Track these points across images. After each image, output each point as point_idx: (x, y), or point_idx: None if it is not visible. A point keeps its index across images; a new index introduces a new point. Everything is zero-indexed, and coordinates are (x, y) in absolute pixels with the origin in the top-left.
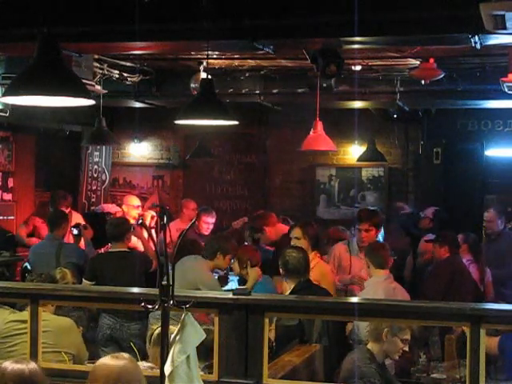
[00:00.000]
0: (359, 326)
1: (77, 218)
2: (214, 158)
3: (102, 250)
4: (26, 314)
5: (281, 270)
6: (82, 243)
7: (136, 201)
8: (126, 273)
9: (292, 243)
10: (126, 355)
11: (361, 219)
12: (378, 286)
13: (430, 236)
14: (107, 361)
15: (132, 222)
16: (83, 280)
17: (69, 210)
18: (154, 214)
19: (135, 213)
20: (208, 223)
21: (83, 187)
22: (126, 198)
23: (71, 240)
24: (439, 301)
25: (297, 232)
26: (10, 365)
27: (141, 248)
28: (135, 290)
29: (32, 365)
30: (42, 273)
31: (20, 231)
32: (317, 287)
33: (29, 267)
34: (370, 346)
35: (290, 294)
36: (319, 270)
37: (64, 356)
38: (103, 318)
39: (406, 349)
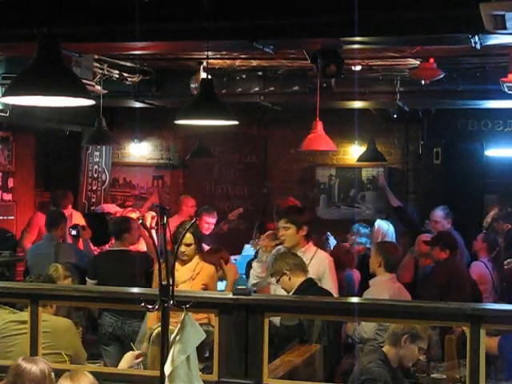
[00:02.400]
0: (363, 325)
1: (78, 217)
2: (214, 158)
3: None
4: (24, 315)
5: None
6: (81, 244)
7: (192, 201)
8: (127, 271)
9: (182, 250)
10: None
11: (278, 215)
12: (383, 285)
13: (428, 236)
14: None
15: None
16: (86, 279)
17: (70, 211)
18: (154, 214)
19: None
20: (209, 223)
21: (83, 187)
22: (183, 199)
23: (70, 241)
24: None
25: (188, 238)
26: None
27: (143, 247)
28: (135, 289)
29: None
30: (40, 274)
31: (25, 242)
32: (319, 287)
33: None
34: (385, 349)
35: (295, 291)
36: (206, 272)
37: (65, 356)
38: (104, 317)
39: (421, 358)
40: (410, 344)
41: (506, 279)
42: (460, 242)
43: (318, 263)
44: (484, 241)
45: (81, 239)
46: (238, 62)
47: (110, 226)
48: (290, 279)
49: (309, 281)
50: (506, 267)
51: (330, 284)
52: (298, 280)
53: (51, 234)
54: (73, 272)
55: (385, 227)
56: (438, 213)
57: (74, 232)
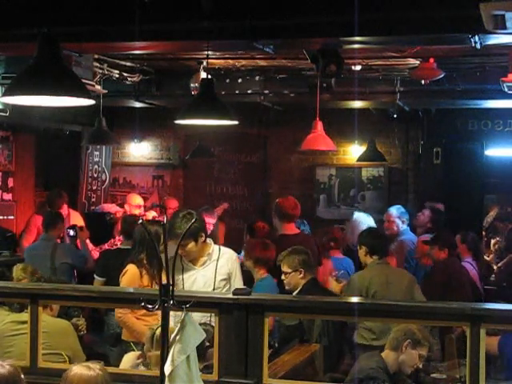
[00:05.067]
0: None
1: (75, 216)
2: (213, 158)
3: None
4: (23, 315)
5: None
6: (79, 245)
7: (138, 199)
8: None
9: None
10: (98, 366)
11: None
12: None
13: (427, 236)
14: (81, 370)
15: None
16: (95, 276)
17: (67, 210)
18: (155, 214)
19: (137, 212)
20: (209, 223)
21: (83, 187)
22: (128, 196)
23: (68, 241)
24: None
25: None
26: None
27: None
28: (135, 289)
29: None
30: (41, 276)
31: (24, 243)
32: (322, 287)
33: None
34: (384, 354)
35: (300, 290)
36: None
37: (65, 356)
38: (111, 317)
39: (420, 366)
40: (410, 350)
41: (507, 278)
42: None
43: (227, 262)
44: (462, 242)
45: (78, 240)
46: (238, 62)
47: (122, 224)
48: (304, 276)
49: (312, 281)
50: (500, 267)
51: (239, 281)
52: (306, 279)
53: (48, 235)
54: (71, 274)
55: (363, 219)
56: (393, 212)
57: (71, 233)
